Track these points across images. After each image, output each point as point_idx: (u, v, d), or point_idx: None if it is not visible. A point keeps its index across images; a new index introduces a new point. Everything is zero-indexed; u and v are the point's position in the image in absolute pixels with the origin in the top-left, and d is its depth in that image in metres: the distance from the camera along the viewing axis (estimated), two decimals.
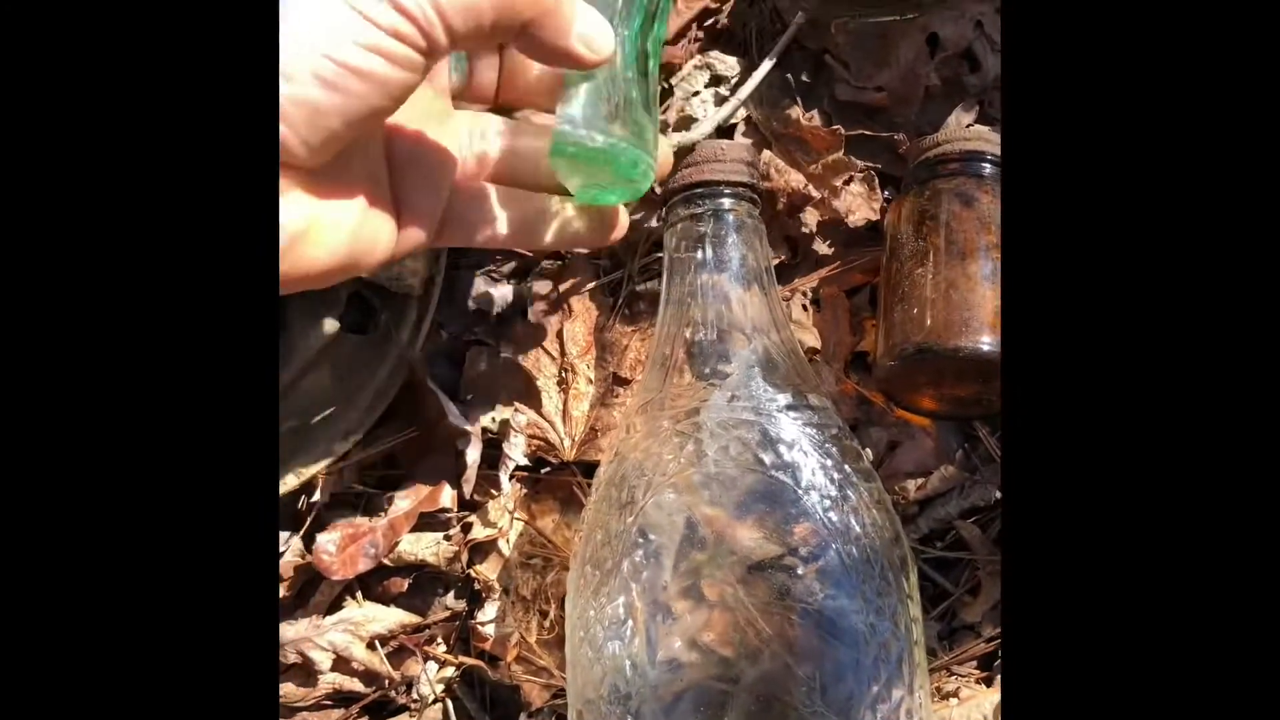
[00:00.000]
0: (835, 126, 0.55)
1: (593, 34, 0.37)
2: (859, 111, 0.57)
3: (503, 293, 0.59)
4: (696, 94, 0.58)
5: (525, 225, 0.45)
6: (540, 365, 0.58)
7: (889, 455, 0.55)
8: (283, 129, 0.32)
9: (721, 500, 0.44)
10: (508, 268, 0.60)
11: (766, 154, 0.56)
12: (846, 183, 0.55)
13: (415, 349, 0.57)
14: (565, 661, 0.46)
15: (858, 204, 0.55)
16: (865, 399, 0.55)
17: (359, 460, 0.57)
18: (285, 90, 0.32)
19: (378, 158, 0.40)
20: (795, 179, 0.55)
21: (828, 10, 0.56)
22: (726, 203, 0.49)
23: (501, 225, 0.44)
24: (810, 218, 0.55)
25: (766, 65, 0.56)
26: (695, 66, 0.59)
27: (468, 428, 0.56)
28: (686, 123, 0.57)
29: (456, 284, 0.60)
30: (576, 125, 0.39)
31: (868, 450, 0.54)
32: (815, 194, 0.55)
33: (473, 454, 0.56)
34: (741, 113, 0.58)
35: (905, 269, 0.49)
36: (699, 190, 0.49)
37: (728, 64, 0.59)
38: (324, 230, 0.37)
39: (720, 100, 0.58)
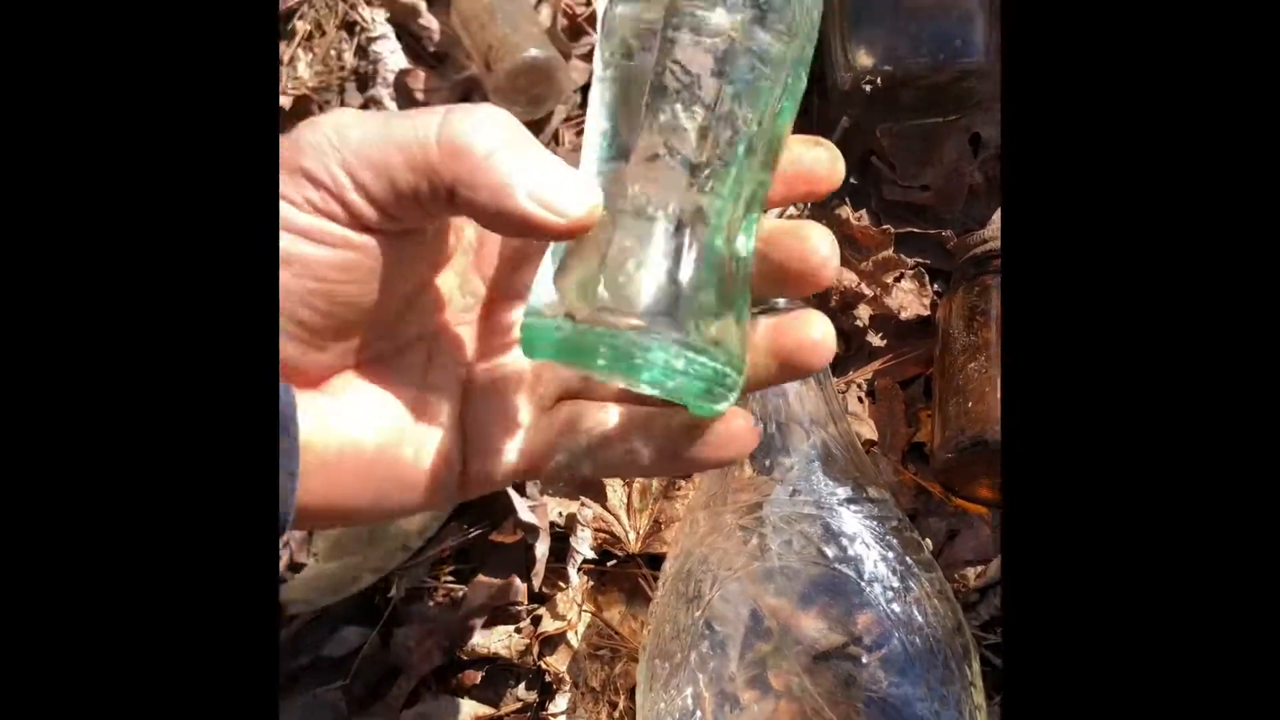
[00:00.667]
0: (884, 225, 0.57)
1: (549, 188, 0.28)
2: (906, 210, 0.59)
3: None
4: None
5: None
6: None
7: (948, 544, 0.55)
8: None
9: (786, 592, 0.45)
10: None
11: None
12: (897, 279, 0.56)
13: None
14: None
15: (909, 299, 0.56)
16: (923, 489, 0.56)
17: (432, 556, 0.59)
18: None
19: (447, 372, 0.34)
20: (848, 277, 0.57)
21: (872, 115, 0.58)
22: (781, 301, 0.51)
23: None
24: (863, 312, 0.57)
25: None
26: None
27: (536, 523, 0.57)
28: None
29: None
30: (541, 306, 0.29)
31: (927, 540, 0.55)
32: (867, 291, 0.57)
33: (541, 548, 0.58)
34: (791, 211, 0.60)
35: (958, 363, 0.51)
36: None
37: None
38: (345, 451, 0.31)
39: None
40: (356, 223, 0.29)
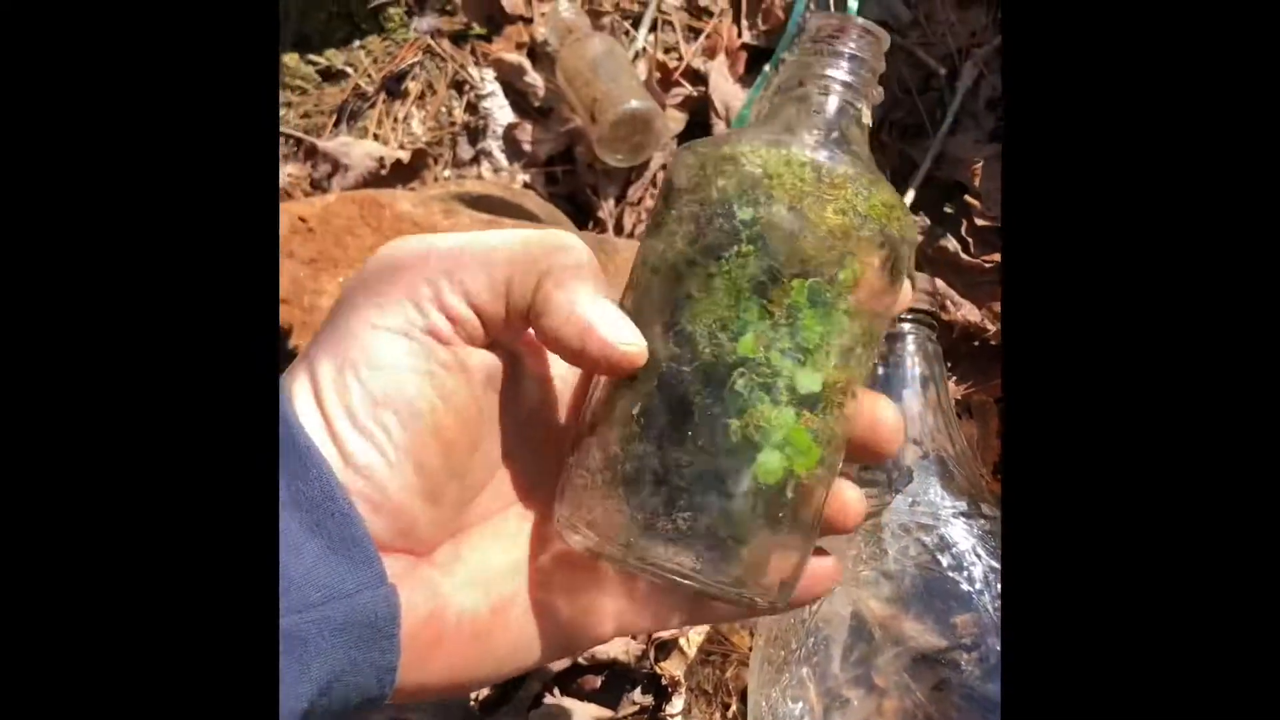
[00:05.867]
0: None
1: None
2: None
3: None
4: None
5: None
6: None
7: None
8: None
9: (897, 596, 0.46)
10: None
11: (941, 284, 0.58)
12: None
13: None
14: None
15: None
16: None
17: None
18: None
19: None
20: (972, 313, 0.58)
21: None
22: (906, 326, 0.52)
23: None
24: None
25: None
26: None
27: None
28: None
29: None
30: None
31: None
32: (990, 327, 0.58)
33: None
34: None
35: None
36: None
37: None
38: (462, 621, 0.30)
39: None
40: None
